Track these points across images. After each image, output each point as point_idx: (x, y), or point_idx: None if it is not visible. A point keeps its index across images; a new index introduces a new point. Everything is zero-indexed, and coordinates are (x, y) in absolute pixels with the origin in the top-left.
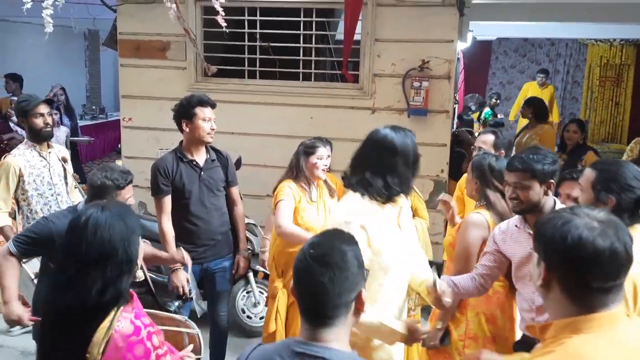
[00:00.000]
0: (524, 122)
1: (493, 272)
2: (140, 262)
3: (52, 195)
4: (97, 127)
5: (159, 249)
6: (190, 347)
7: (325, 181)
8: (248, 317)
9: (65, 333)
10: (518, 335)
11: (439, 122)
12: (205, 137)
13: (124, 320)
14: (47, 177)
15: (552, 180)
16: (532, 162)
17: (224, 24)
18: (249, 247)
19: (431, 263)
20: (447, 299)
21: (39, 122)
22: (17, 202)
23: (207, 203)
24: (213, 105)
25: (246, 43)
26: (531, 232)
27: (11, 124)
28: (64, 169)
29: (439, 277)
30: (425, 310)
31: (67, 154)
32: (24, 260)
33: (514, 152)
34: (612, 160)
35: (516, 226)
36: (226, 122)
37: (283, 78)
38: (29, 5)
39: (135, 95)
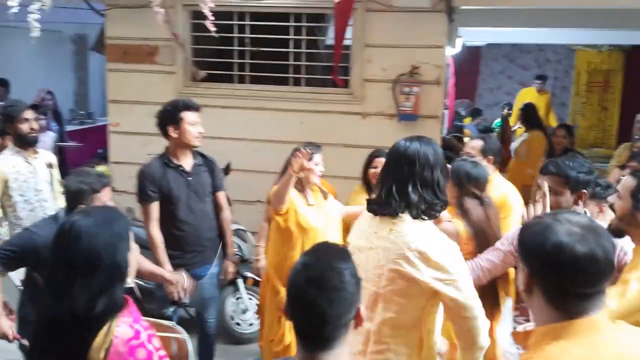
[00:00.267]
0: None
1: (496, 269)
2: (133, 267)
3: (37, 201)
4: (84, 132)
5: (146, 256)
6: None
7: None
8: (237, 323)
9: (59, 345)
10: None
11: (429, 128)
12: (193, 141)
13: (123, 325)
14: (33, 183)
15: (584, 191)
16: (567, 168)
17: (213, 29)
18: (238, 252)
19: None
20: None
21: (24, 127)
22: (3, 208)
23: (195, 209)
24: (198, 109)
25: (236, 48)
26: None
27: None
28: (51, 175)
29: None
30: None
31: (53, 159)
32: None
33: (513, 159)
34: None
35: None
36: (215, 127)
37: (273, 83)
38: (15, 10)
39: (123, 100)
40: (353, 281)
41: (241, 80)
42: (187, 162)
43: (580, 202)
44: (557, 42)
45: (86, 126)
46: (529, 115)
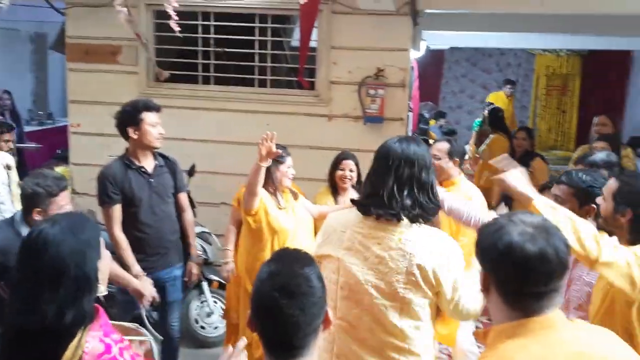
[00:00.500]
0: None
1: None
2: (105, 275)
3: None
4: (44, 132)
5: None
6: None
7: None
8: (201, 327)
9: (27, 356)
10: None
11: (395, 130)
12: (154, 142)
13: (93, 340)
14: None
15: (593, 205)
16: (579, 181)
17: (177, 29)
18: (202, 255)
19: None
20: None
21: None
22: None
23: (157, 210)
24: (159, 110)
25: (200, 48)
26: None
27: None
28: (8, 177)
29: None
30: None
31: (11, 160)
32: None
33: (481, 161)
34: (633, 172)
35: None
36: (180, 128)
37: (238, 84)
38: None
39: (84, 100)
40: (320, 285)
41: (205, 81)
42: (148, 163)
43: (589, 218)
44: (517, 46)
45: (46, 127)
46: (495, 118)
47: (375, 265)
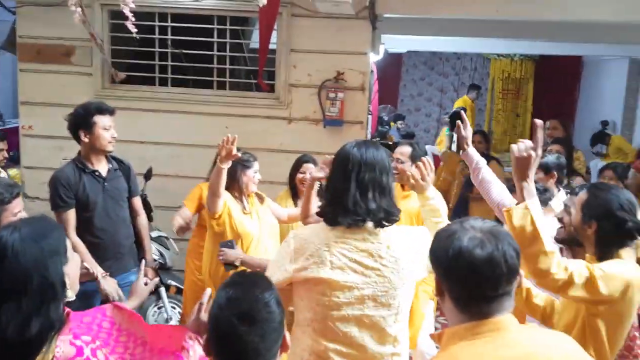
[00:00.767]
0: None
1: None
2: (74, 280)
3: None
4: None
5: None
6: None
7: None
8: None
9: None
10: None
11: (354, 133)
12: (106, 146)
13: (63, 344)
14: None
15: (554, 172)
16: (546, 160)
17: (134, 30)
18: (160, 260)
19: None
20: None
21: None
22: None
23: (112, 215)
24: (112, 112)
25: (157, 49)
26: None
27: None
28: None
29: None
30: None
31: None
32: None
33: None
34: (606, 185)
35: None
36: (136, 131)
37: (196, 86)
38: None
39: (36, 101)
40: (279, 310)
41: (163, 82)
42: (102, 166)
43: (552, 180)
44: (473, 50)
45: None
46: (455, 122)
47: (372, 277)
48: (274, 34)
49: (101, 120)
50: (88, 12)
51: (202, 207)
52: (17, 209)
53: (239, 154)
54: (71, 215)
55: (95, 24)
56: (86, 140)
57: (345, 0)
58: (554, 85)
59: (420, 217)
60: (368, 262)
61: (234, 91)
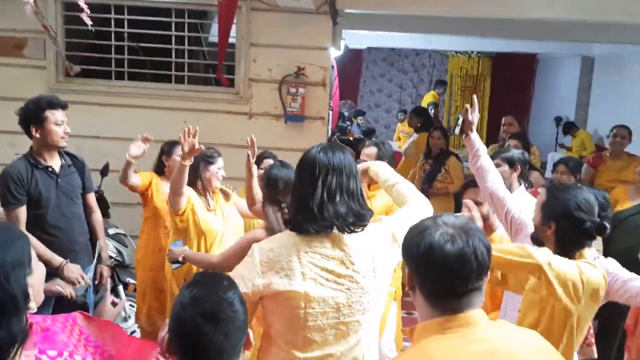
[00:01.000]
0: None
1: None
2: (38, 290)
3: None
4: None
5: None
6: None
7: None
8: None
9: None
10: None
11: (315, 129)
12: (59, 142)
13: None
14: None
15: (518, 166)
16: (511, 154)
17: (89, 22)
18: (118, 257)
19: None
20: None
21: None
22: None
23: (66, 212)
24: (65, 107)
25: (113, 42)
26: None
27: None
28: None
29: None
30: None
31: None
32: None
33: (403, 158)
34: (565, 185)
35: None
36: (92, 125)
37: (154, 80)
38: None
39: None
40: (242, 309)
41: (119, 76)
42: (55, 162)
43: (516, 173)
44: (431, 47)
45: None
46: (420, 117)
47: (345, 285)
48: (233, 27)
49: (53, 115)
50: (41, 4)
51: (148, 188)
52: None
53: (202, 147)
54: (22, 212)
55: (49, 15)
56: (38, 135)
57: None
58: (510, 82)
59: (389, 212)
60: (340, 270)
61: (193, 85)
